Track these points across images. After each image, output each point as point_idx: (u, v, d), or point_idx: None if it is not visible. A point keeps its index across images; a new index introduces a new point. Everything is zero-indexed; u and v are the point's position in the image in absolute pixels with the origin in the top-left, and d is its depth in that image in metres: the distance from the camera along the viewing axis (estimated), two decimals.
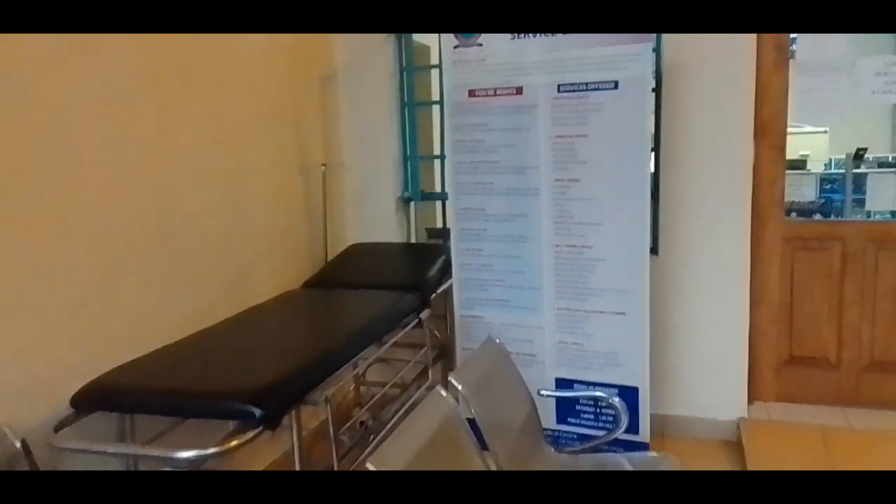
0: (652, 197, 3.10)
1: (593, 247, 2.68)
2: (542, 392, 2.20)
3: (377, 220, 3.44)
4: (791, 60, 3.07)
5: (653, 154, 3.05)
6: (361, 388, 2.98)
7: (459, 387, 1.70)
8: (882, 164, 5.97)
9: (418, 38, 3.53)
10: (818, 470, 2.41)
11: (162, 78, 2.25)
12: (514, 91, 2.71)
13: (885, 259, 3.05)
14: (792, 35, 3.04)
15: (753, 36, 2.90)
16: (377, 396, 2.35)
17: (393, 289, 2.60)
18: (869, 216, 5.05)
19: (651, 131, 2.78)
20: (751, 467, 2.70)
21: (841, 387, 3.14)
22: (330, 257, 3.15)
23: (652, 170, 3.06)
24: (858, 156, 5.63)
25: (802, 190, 5.48)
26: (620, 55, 2.54)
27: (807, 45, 3.04)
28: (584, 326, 2.73)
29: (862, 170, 5.36)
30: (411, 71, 3.41)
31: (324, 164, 3.17)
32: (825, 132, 6.79)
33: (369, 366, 2.48)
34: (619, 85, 2.54)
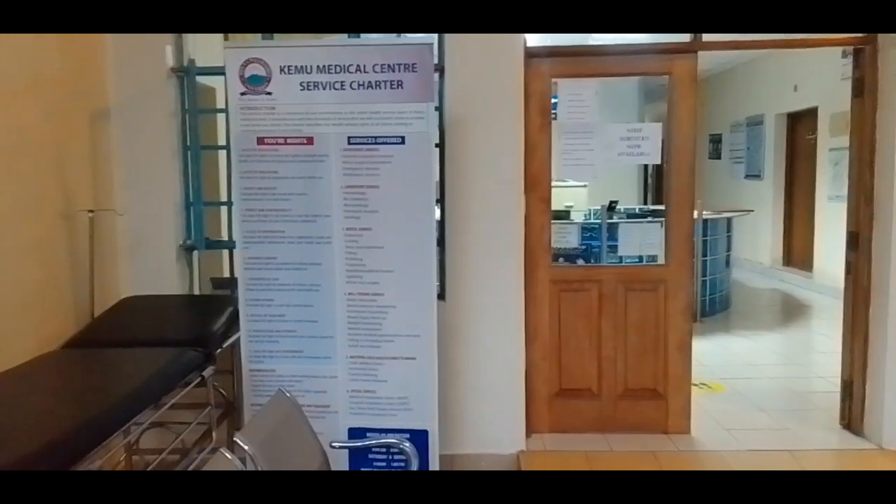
0: (439, 245, 3.28)
1: (385, 294, 2.74)
2: (334, 444, 2.18)
3: (155, 271, 3.18)
4: (554, 122, 3.47)
5: (439, 204, 3.25)
6: (134, 457, 2.69)
7: (246, 447, 1.63)
8: (631, 214, 6.90)
9: (203, 79, 3.39)
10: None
11: None
12: (305, 140, 2.72)
13: (633, 298, 3.51)
14: (553, 100, 3.44)
15: (521, 100, 3.22)
16: (153, 464, 2.15)
17: (172, 345, 2.41)
18: (621, 261, 5.78)
19: (437, 183, 2.93)
20: None
21: (603, 414, 3.52)
22: (98, 313, 2.84)
23: (439, 219, 3.25)
24: (611, 207, 6.46)
25: (568, 237, 6.13)
26: (406, 112, 2.68)
27: (566, 111, 3.47)
28: (377, 373, 2.77)
29: (615, 220, 6.13)
30: (195, 113, 3.26)
31: (91, 211, 2.88)
32: (585, 186, 7.70)
33: (144, 432, 2.26)
34: (406, 140, 2.67)
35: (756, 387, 4.31)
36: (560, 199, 7.41)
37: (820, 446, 3.34)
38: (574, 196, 7.63)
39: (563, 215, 6.46)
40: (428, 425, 2.75)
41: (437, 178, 3.07)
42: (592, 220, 6.21)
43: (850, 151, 3.46)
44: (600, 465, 3.15)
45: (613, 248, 5.99)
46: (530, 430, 3.44)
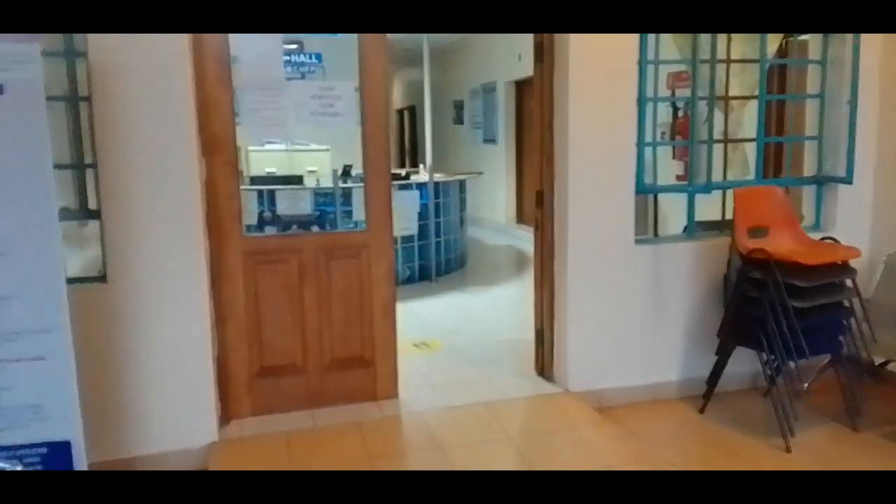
0: (96, 217, 2.79)
1: None
2: None
3: None
4: (236, 78, 3.11)
5: (93, 169, 2.76)
6: None
7: None
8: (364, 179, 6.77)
9: None
10: None
11: None
12: None
13: (336, 267, 3.33)
14: (232, 53, 3.08)
15: (188, 46, 2.82)
16: None
17: None
18: (357, 226, 5.64)
19: (49, 143, 2.31)
20: None
21: (309, 389, 3.32)
22: None
23: (94, 187, 2.77)
24: (346, 172, 6.29)
25: (301, 204, 5.85)
26: (5, 54, 2.15)
27: (246, 66, 3.13)
28: None
29: (349, 185, 5.98)
30: None
31: None
32: (328, 150, 7.45)
33: None
34: (6, 89, 2.15)
35: (472, 341, 4.44)
36: (301, 163, 7.11)
37: (514, 394, 3.48)
38: (316, 160, 7.35)
39: (295, 181, 6.15)
40: (70, 435, 2.32)
41: (47, 135, 2.50)
42: (324, 186, 5.97)
43: (535, 115, 3.60)
44: (300, 443, 2.97)
45: (349, 214, 5.87)
46: (228, 417, 3.15)
